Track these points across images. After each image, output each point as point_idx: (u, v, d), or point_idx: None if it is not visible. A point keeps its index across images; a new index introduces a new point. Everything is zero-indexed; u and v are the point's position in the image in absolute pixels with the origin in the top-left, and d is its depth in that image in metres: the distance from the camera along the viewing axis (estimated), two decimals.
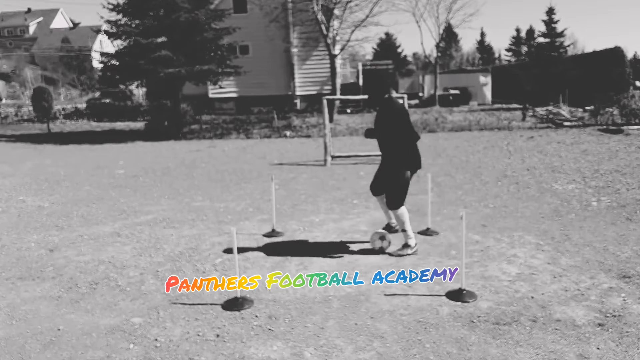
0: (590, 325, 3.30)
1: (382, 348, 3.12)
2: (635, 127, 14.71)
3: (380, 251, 4.80)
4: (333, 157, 10.67)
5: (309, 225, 5.88)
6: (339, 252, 4.90)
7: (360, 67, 30.39)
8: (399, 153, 4.61)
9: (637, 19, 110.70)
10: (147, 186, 8.65)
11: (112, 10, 16.81)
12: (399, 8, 46.41)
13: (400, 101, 4.89)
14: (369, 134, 4.90)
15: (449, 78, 32.24)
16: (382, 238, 4.82)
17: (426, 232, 5.40)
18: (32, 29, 66.65)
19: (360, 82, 29.13)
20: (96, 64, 35.84)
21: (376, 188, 4.96)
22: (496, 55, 73.06)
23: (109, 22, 16.86)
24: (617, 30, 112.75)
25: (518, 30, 66.01)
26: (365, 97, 14.92)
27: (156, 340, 3.30)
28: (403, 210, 4.68)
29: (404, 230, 4.74)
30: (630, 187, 7.26)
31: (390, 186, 4.68)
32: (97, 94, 32.03)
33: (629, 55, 42.64)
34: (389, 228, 5.15)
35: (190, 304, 3.82)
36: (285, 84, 26.13)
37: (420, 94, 33.13)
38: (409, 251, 4.73)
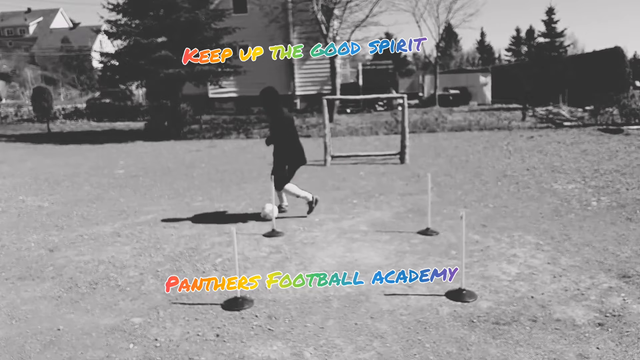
0: (590, 325, 3.30)
1: (382, 348, 3.13)
2: (635, 127, 14.71)
3: (267, 219, 5.92)
4: (333, 157, 10.66)
5: (309, 225, 5.88)
6: (339, 252, 4.90)
7: (360, 67, 30.39)
8: (281, 151, 6.21)
9: (637, 19, 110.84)
10: (147, 186, 8.66)
11: (112, 10, 16.80)
12: (399, 8, 46.56)
13: (287, 112, 6.35)
14: (268, 141, 6.25)
15: (449, 78, 32.23)
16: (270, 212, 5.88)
17: (426, 232, 5.40)
18: (32, 29, 66.69)
19: (360, 82, 29.13)
20: (96, 64, 35.89)
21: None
22: (496, 55, 73.16)
23: (109, 22, 16.85)
24: (617, 31, 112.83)
25: (518, 30, 66.06)
26: (359, 97, 15.07)
27: (156, 340, 3.30)
28: (288, 185, 6.12)
29: (298, 197, 6.17)
30: (630, 187, 7.26)
31: (276, 174, 6.05)
32: (97, 94, 32.05)
33: (629, 55, 42.75)
34: (279, 208, 6.39)
35: (190, 304, 3.83)
36: (285, 84, 26.12)
37: (420, 94, 33.10)
38: (314, 205, 6.23)
